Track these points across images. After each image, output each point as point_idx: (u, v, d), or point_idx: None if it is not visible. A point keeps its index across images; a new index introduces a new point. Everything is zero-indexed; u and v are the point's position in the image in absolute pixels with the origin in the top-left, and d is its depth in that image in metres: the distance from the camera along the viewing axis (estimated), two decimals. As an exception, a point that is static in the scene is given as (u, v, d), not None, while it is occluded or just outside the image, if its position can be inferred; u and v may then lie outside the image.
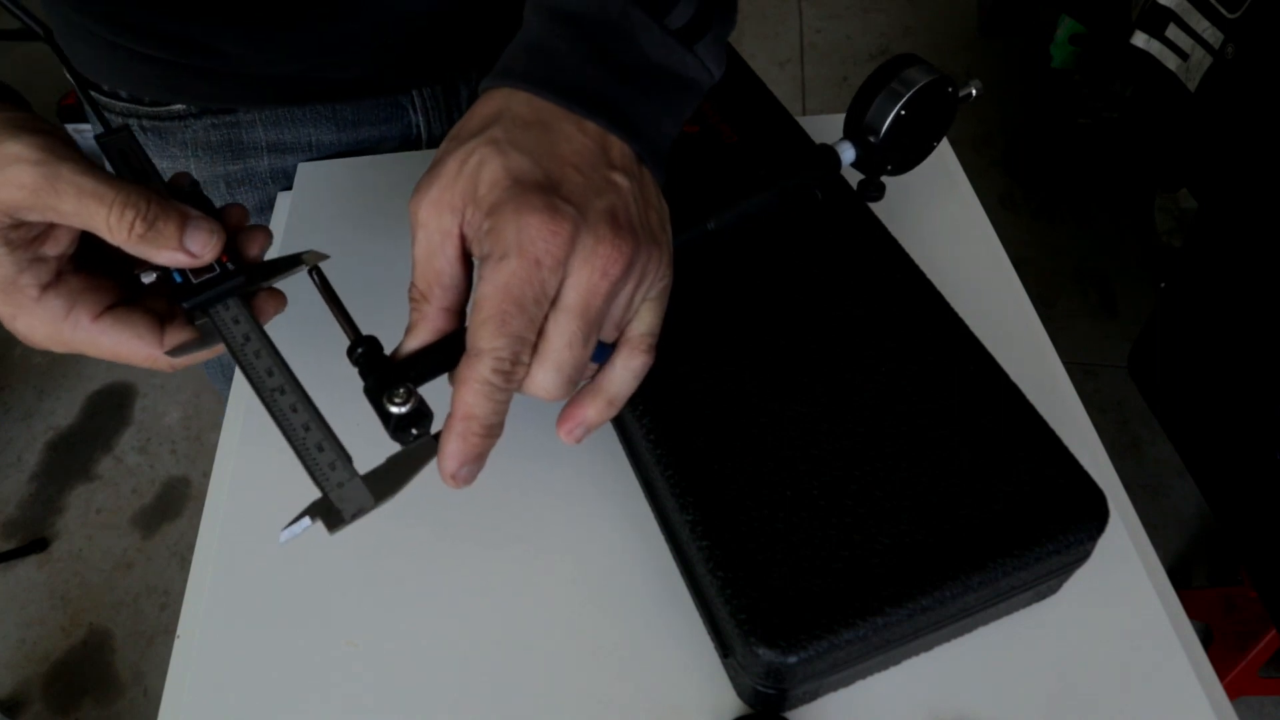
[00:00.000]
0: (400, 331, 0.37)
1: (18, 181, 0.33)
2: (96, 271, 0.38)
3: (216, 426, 0.64)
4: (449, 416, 0.33)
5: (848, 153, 0.49)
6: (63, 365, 1.81)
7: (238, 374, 0.56)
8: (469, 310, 0.34)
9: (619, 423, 0.50)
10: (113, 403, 1.75)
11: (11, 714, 1.38)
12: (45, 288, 0.36)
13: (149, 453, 1.67)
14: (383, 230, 0.62)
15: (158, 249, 0.36)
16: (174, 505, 1.60)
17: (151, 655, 1.43)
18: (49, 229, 0.36)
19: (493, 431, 0.34)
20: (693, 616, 0.44)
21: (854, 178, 0.53)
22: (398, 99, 0.69)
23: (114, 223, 0.35)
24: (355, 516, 0.33)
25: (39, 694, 1.40)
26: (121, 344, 0.38)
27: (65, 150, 0.35)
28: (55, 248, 0.36)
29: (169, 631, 1.32)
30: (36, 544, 1.54)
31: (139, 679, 1.41)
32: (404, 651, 0.44)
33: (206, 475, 1.08)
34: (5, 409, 1.75)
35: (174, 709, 0.44)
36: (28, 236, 0.35)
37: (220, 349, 0.38)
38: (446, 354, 0.35)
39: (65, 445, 1.69)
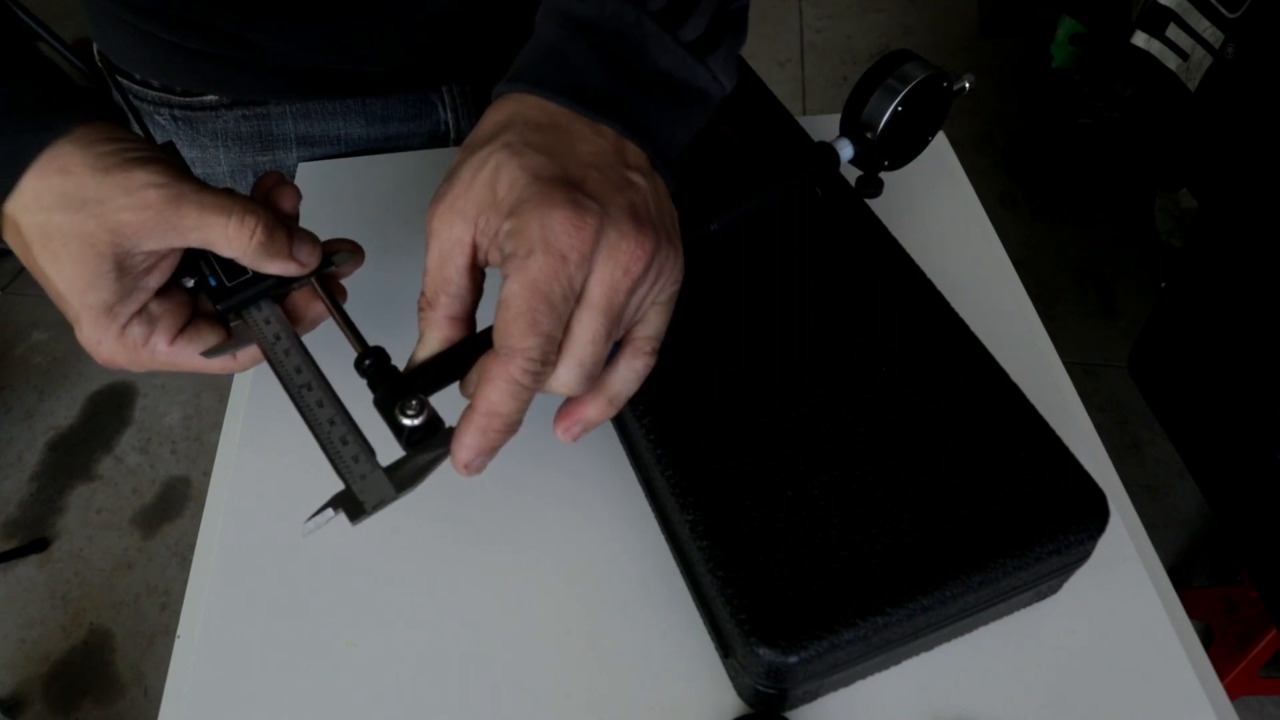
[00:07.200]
0: (403, 335, 0.37)
1: (145, 202, 0.35)
2: (166, 291, 0.40)
3: (216, 426, 0.64)
4: (468, 409, 0.33)
5: (845, 150, 0.50)
6: (63, 365, 1.81)
7: (238, 377, 0.57)
8: (496, 310, 0.34)
9: (619, 422, 0.50)
10: (113, 403, 1.75)
11: (11, 714, 1.38)
12: (132, 316, 0.38)
13: (149, 453, 1.67)
14: (382, 231, 0.62)
15: (271, 258, 0.38)
16: (174, 505, 1.60)
17: (151, 655, 1.43)
18: (157, 261, 0.38)
19: (513, 428, 0.34)
20: (693, 616, 0.44)
21: (851, 175, 0.53)
22: (427, 95, 0.69)
23: (234, 231, 0.37)
24: (377, 508, 0.34)
25: (39, 694, 1.40)
26: (198, 361, 0.40)
27: (185, 174, 0.37)
28: (156, 279, 0.38)
29: (169, 631, 1.32)
30: (37, 544, 1.54)
31: (139, 679, 1.41)
32: (404, 651, 0.44)
33: (206, 475, 1.08)
34: (6, 409, 1.75)
35: (174, 709, 0.43)
36: (141, 266, 0.37)
37: (253, 348, 0.40)
38: (456, 363, 0.35)
39: (66, 445, 1.69)
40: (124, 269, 0.36)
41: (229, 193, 0.37)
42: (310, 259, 0.40)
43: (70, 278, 0.36)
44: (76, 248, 0.35)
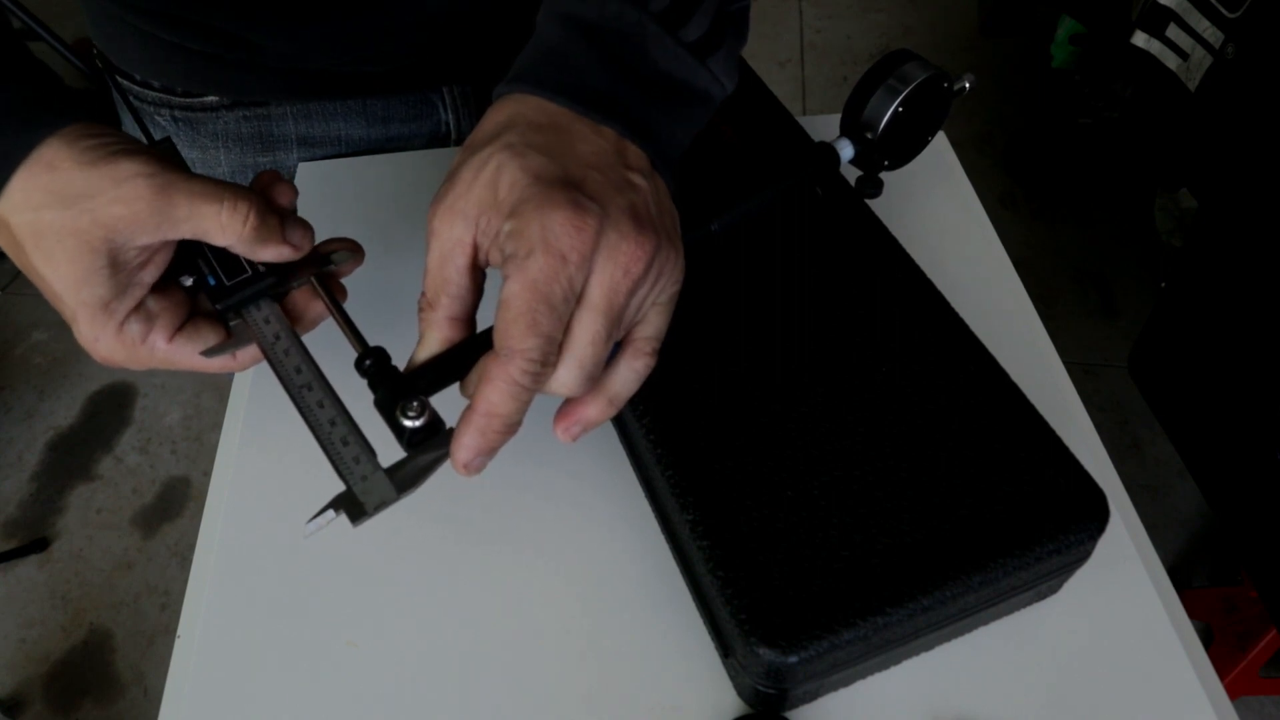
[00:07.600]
0: (403, 335, 0.37)
1: (135, 194, 0.35)
2: (164, 288, 0.39)
3: (216, 426, 0.64)
4: (468, 409, 0.33)
5: (845, 150, 0.50)
6: (63, 365, 1.81)
7: (238, 377, 0.57)
8: (497, 310, 0.34)
9: (619, 423, 0.50)
10: (113, 403, 1.75)
11: (11, 714, 1.38)
12: (129, 313, 0.38)
13: (149, 453, 1.67)
14: (382, 231, 0.62)
15: (264, 243, 0.38)
16: (174, 505, 1.60)
17: (151, 655, 1.43)
18: (151, 256, 0.37)
19: (512, 429, 0.34)
20: (693, 616, 0.44)
21: (851, 175, 0.53)
22: (428, 96, 0.69)
23: (226, 218, 0.36)
24: (378, 509, 0.34)
25: (39, 694, 1.40)
26: (197, 360, 0.40)
27: (173, 164, 0.37)
28: (151, 274, 0.38)
29: (169, 631, 1.32)
30: (37, 544, 1.54)
31: (139, 679, 1.41)
32: (404, 651, 0.44)
33: (206, 475, 1.08)
34: (6, 409, 1.75)
35: (174, 709, 0.43)
36: (135, 261, 0.37)
37: (253, 348, 0.40)
38: (457, 363, 0.35)
39: (66, 445, 1.69)
40: (118, 264, 0.36)
41: (218, 180, 0.37)
42: (303, 242, 0.40)
43: (64, 276, 0.36)
44: (71, 245, 0.35)
